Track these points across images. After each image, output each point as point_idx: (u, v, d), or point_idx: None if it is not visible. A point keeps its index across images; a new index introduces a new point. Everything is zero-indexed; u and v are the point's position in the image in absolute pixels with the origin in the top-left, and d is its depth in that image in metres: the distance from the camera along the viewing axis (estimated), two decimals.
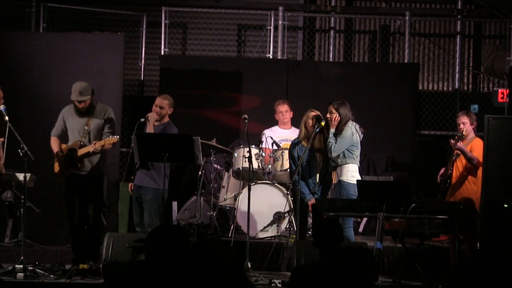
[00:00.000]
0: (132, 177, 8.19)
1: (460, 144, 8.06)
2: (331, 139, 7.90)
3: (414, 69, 11.25)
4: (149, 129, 8.02)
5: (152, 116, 8.06)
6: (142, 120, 8.08)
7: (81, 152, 7.88)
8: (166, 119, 8.21)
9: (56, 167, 8.06)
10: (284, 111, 9.54)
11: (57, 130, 8.14)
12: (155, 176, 7.97)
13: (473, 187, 8.11)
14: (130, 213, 9.07)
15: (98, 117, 8.00)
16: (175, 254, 3.78)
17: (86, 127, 7.93)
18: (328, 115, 8.03)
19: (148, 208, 7.95)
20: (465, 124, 8.21)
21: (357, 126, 8.04)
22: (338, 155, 7.91)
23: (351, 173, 7.93)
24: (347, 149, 7.93)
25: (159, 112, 8.10)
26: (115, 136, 7.84)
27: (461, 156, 8.13)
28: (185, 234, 3.94)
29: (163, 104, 8.15)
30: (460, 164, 8.18)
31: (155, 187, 7.95)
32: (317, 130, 8.00)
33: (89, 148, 7.84)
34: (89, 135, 7.94)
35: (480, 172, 8.06)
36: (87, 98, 7.91)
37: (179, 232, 3.93)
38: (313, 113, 8.13)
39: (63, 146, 8.03)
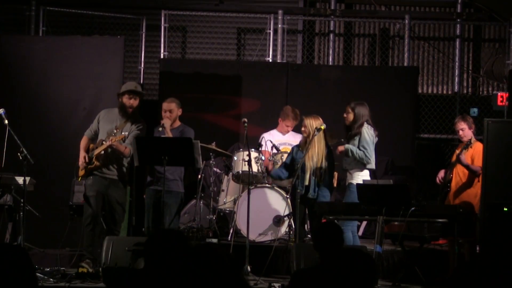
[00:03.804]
0: (145, 181, 8.28)
1: (463, 157, 8.02)
2: (358, 151, 7.94)
3: (413, 72, 11.25)
4: (168, 135, 8.02)
5: (166, 122, 8.09)
6: (160, 129, 8.10)
7: (97, 150, 7.84)
8: (178, 122, 8.26)
9: (80, 168, 8.01)
10: (290, 125, 9.54)
11: (90, 130, 8.14)
12: (178, 180, 8.09)
13: (472, 191, 8.11)
14: (129, 217, 9.05)
15: (132, 124, 7.96)
16: (175, 258, 3.78)
17: (115, 131, 7.89)
18: (344, 115, 8.17)
19: (170, 212, 7.98)
20: (464, 129, 8.18)
21: (371, 130, 8.08)
22: (355, 160, 7.97)
23: (361, 178, 7.99)
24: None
25: (170, 117, 8.15)
26: (123, 133, 7.75)
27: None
28: (184, 238, 3.94)
29: (171, 107, 8.19)
30: (460, 168, 8.17)
31: (178, 191, 8.09)
32: (317, 133, 8.07)
33: (104, 146, 7.78)
34: (115, 136, 7.88)
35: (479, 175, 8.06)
36: (142, 93, 8.07)
37: (178, 236, 3.93)
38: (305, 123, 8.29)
39: (91, 146, 8.03)
